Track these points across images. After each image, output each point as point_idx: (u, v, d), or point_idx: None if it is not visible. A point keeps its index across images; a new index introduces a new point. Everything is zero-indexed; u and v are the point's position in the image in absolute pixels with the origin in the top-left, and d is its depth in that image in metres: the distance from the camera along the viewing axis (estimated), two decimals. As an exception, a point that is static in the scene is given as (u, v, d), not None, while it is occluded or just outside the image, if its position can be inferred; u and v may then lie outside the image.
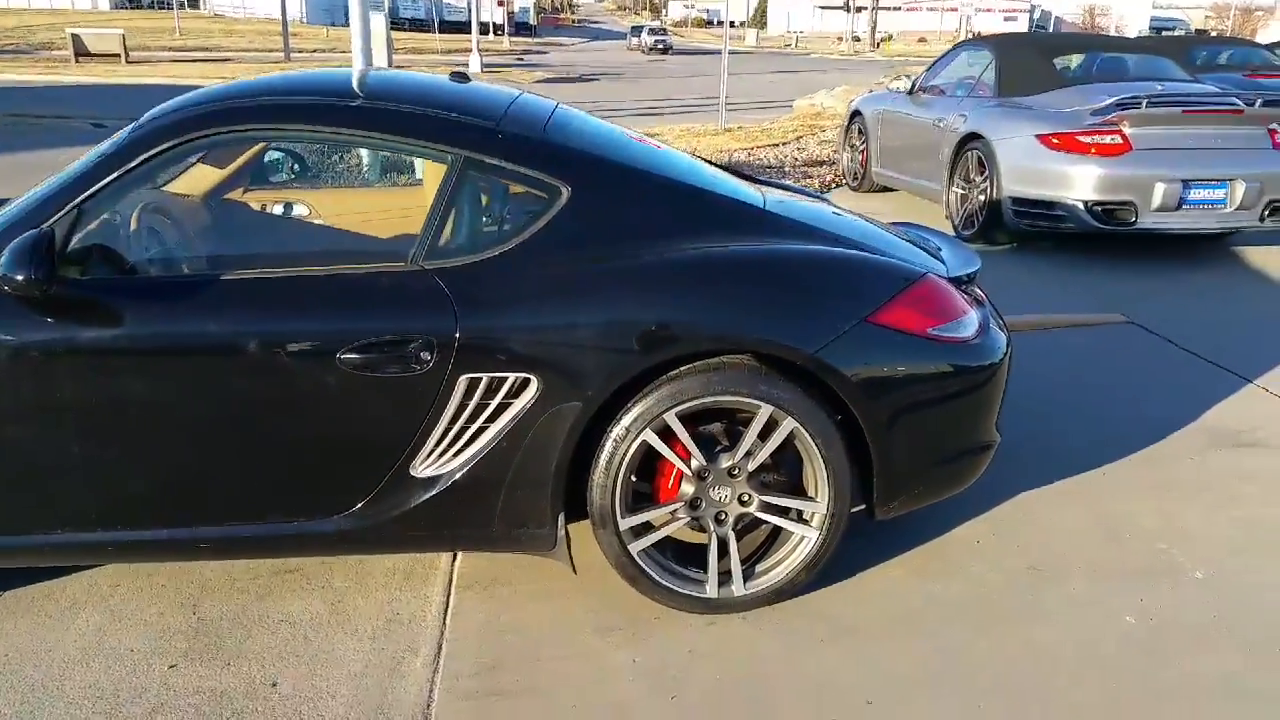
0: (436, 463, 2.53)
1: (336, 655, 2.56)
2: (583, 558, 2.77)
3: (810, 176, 9.31)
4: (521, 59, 32.90)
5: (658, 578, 2.64)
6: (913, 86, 8.05)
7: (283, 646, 2.59)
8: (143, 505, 2.55)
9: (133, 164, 2.50)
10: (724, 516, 2.64)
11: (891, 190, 8.53)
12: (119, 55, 26.93)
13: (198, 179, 3.06)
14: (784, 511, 2.65)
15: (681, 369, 2.52)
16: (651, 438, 2.52)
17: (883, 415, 2.56)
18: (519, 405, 2.49)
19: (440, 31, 48.89)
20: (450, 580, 2.88)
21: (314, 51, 33.68)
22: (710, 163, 3.58)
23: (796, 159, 10.23)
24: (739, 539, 2.72)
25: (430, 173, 2.65)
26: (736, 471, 2.60)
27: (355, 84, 2.81)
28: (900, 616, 2.69)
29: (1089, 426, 3.86)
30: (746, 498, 2.62)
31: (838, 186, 9.16)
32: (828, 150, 10.53)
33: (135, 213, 2.70)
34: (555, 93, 20.23)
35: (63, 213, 2.45)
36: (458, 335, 2.45)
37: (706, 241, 2.62)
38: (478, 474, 2.53)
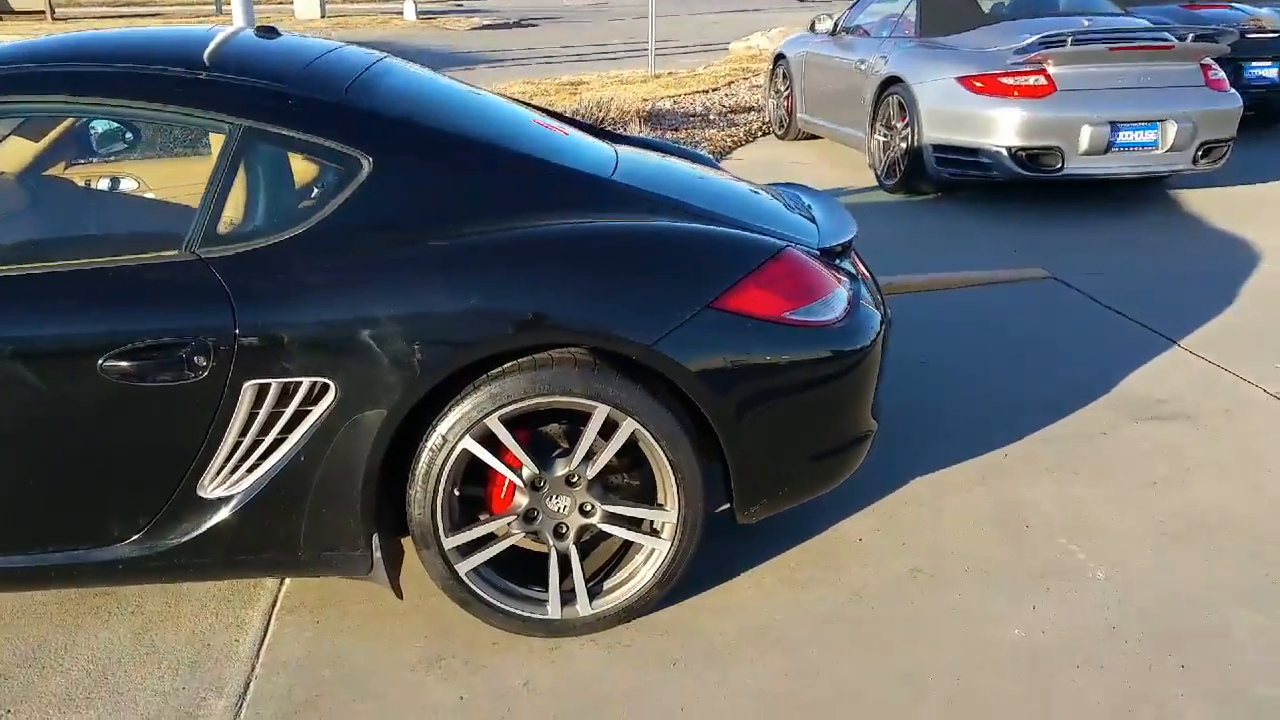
0: (227, 481, 2.21)
1: (133, 696, 2.26)
2: (421, 576, 2.47)
3: (735, 125, 8.94)
4: (460, 4, 31.82)
5: (492, 600, 2.35)
6: (834, 27, 7.69)
7: (73, 687, 2.28)
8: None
9: None
10: (564, 529, 2.34)
11: (818, 139, 8.20)
12: (44, 12, 25.65)
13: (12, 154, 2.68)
14: (632, 522, 2.36)
15: (504, 367, 2.21)
16: (473, 445, 2.21)
17: (734, 412, 2.27)
18: (316, 413, 2.17)
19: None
20: (275, 602, 2.58)
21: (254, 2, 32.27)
22: (569, 121, 3.24)
23: (724, 106, 9.84)
24: (588, 552, 2.44)
25: (212, 146, 2.29)
26: (575, 479, 2.30)
27: (135, 46, 2.42)
28: (762, 630, 2.43)
29: (995, 399, 3.61)
30: (589, 508, 2.33)
31: (764, 135, 8.81)
32: (758, 96, 10.14)
33: None
34: (491, 40, 19.53)
35: None
36: (237, 335, 2.11)
37: (534, 219, 2.29)
38: (276, 493, 2.21)
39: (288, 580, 2.64)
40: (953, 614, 2.47)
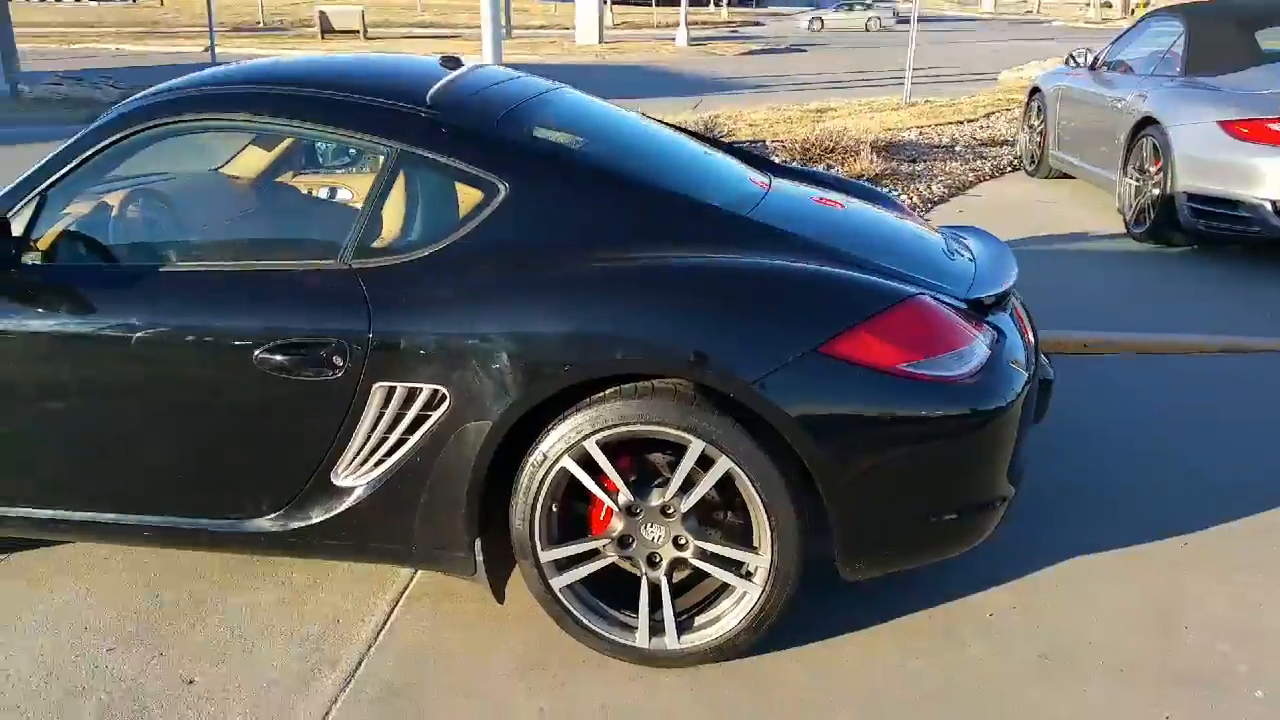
0: (356, 472, 2.40)
1: (261, 657, 2.50)
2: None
3: (983, 159, 8.54)
4: (735, 31, 32.40)
5: (583, 619, 2.40)
6: (1095, 61, 7.18)
7: (214, 641, 2.55)
8: (91, 488, 2.56)
9: (89, 153, 2.49)
10: (658, 559, 2.35)
11: (1070, 178, 7.68)
12: (358, 31, 28.74)
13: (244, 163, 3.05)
14: (725, 561, 2.33)
15: (605, 393, 2.25)
16: (571, 465, 2.28)
17: (836, 463, 2.20)
18: (433, 419, 2.31)
19: (659, 4, 48.87)
20: (404, 590, 2.76)
21: (539, 28, 34.59)
22: (731, 150, 3.24)
23: (975, 139, 9.42)
24: (691, 586, 2.44)
25: (371, 166, 2.51)
26: (670, 511, 2.31)
27: (319, 72, 2.68)
28: (864, 696, 2.32)
29: (1194, 480, 3.25)
30: (682, 540, 2.33)
31: (1014, 171, 8.36)
32: (1014, 130, 9.64)
33: (119, 200, 2.71)
34: (756, 65, 19.75)
35: (23, 202, 2.48)
36: (370, 340, 2.29)
37: (658, 250, 2.33)
38: (395, 488, 2.38)
39: (420, 572, 2.82)
40: (1076, 709, 2.26)
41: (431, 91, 2.55)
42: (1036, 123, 7.99)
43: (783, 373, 2.15)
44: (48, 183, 2.48)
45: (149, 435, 2.47)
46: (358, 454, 2.38)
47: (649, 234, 2.37)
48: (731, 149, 3.36)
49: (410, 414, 2.32)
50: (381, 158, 2.43)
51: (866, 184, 3.49)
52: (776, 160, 3.62)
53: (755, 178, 2.96)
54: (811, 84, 15.68)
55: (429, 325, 2.28)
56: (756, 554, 2.29)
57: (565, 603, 2.39)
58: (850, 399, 2.18)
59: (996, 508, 2.39)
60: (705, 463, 2.25)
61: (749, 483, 2.22)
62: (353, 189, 3.16)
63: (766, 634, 2.36)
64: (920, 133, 9.70)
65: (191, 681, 2.41)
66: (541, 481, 2.30)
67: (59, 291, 2.43)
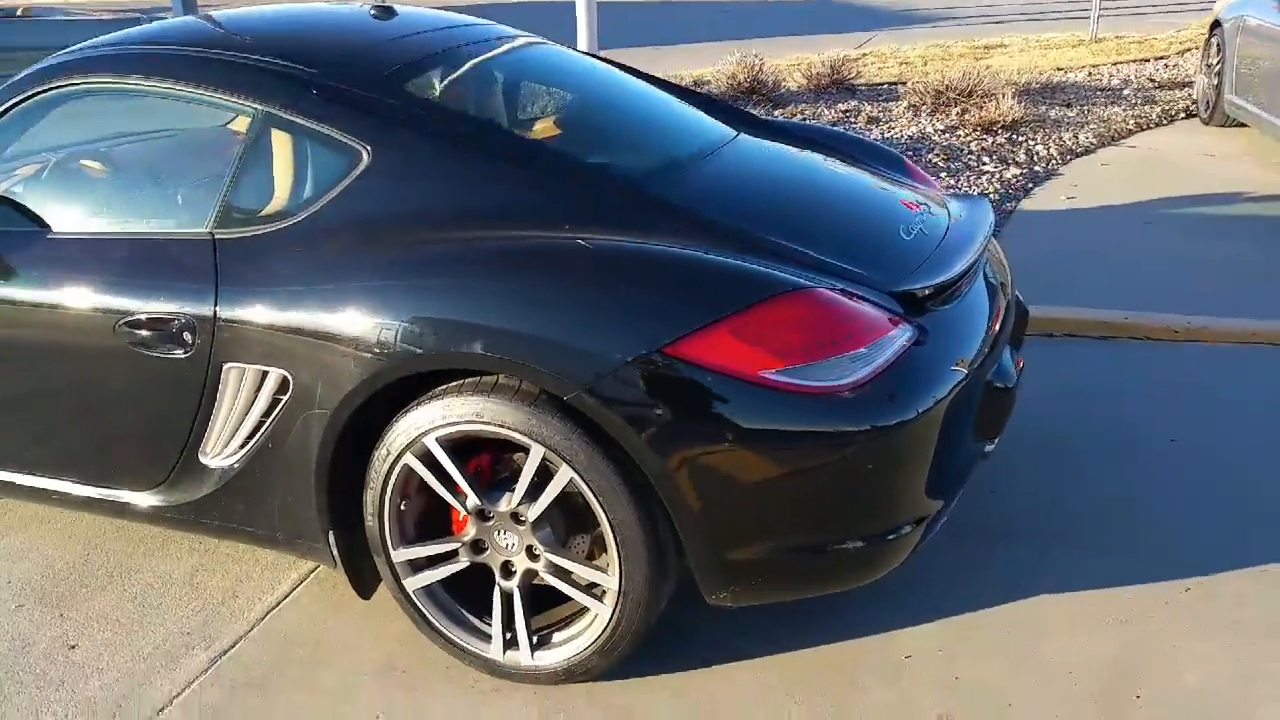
0: (220, 454, 2.31)
1: (147, 629, 2.48)
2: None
3: (1153, 103, 7.53)
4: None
5: (437, 623, 2.22)
6: (1286, -14, 6.11)
7: (118, 609, 2.56)
8: (4, 447, 2.60)
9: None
10: (513, 568, 2.14)
11: (1248, 128, 6.65)
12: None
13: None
14: (577, 578, 2.09)
15: (445, 387, 2.04)
16: (414, 463, 2.09)
17: (684, 480, 1.90)
18: (280, 405, 2.18)
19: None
20: (316, 569, 2.67)
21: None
22: (712, 103, 2.89)
23: (1152, 80, 8.32)
24: (562, 600, 2.22)
25: (244, 129, 2.35)
26: (522, 519, 2.08)
27: (231, 29, 2.54)
28: (718, 736, 2.04)
29: (1242, 507, 2.69)
30: (536, 552, 2.10)
31: (1189, 118, 7.34)
32: (1205, 69, 8.46)
33: (20, 166, 2.70)
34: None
35: None
36: (216, 318, 2.17)
37: (524, 229, 2.08)
38: (254, 474, 2.27)
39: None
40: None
41: (327, 49, 2.37)
42: (1214, 61, 6.95)
43: (619, 375, 1.87)
44: (-39, 142, 2.50)
45: (40, 402, 2.47)
46: (219, 436, 2.28)
47: (520, 212, 2.12)
48: (715, 106, 3.00)
49: (261, 398, 2.20)
50: (250, 119, 2.28)
51: (869, 141, 3.05)
52: (784, 116, 3.22)
53: (707, 142, 2.62)
54: (1002, 16, 14.42)
55: (271, 304, 2.13)
56: (604, 573, 2.03)
57: (419, 604, 2.22)
58: (698, 409, 1.87)
59: (905, 534, 2.03)
60: (548, 470, 2.00)
61: (591, 496, 1.96)
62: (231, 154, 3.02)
63: (620, 660, 2.11)
64: (1091, 73, 8.68)
65: (73, 647, 2.42)
66: (386, 477, 2.12)
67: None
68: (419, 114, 2.23)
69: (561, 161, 2.26)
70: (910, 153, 6.17)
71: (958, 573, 2.47)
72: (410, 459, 2.08)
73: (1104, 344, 3.69)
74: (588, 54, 3.10)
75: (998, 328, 2.28)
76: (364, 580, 2.30)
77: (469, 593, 2.23)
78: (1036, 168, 5.99)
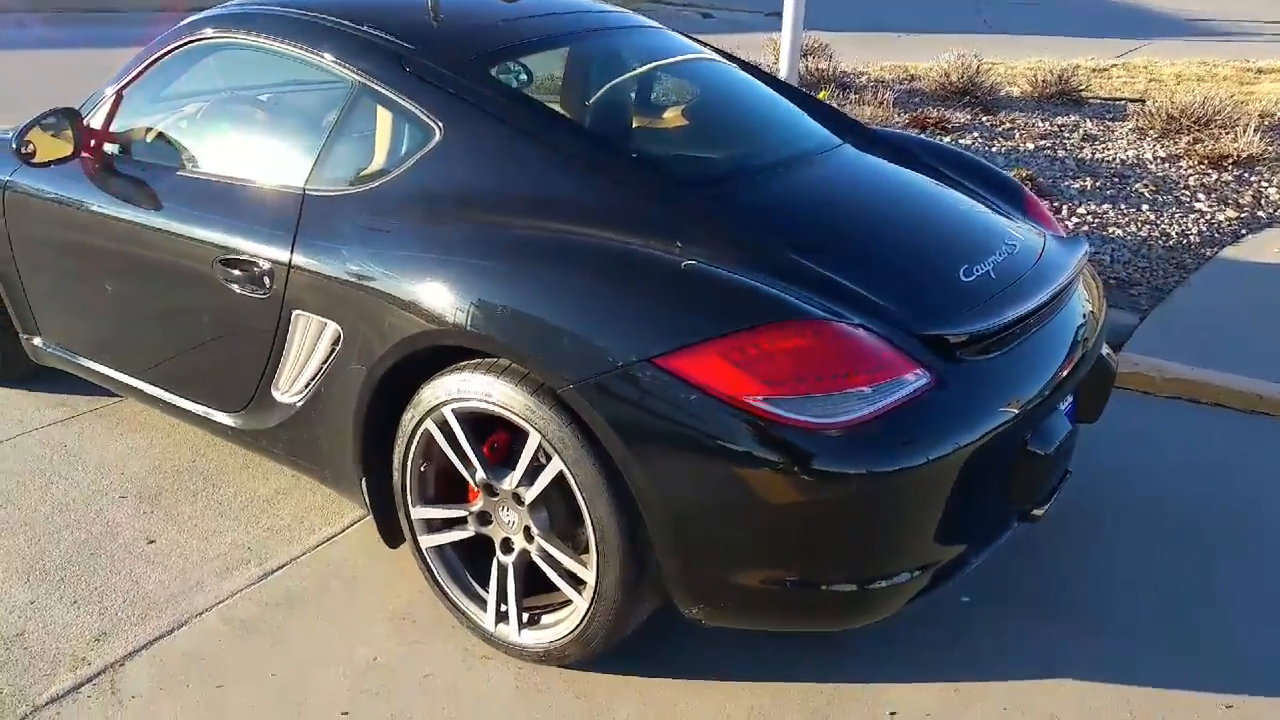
0: (286, 392, 2.50)
1: (217, 539, 2.72)
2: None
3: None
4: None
5: (443, 583, 2.33)
6: None
7: (200, 514, 2.83)
8: (125, 352, 2.93)
9: (150, 61, 2.77)
10: (511, 545, 2.21)
11: None
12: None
13: None
14: (562, 566, 2.13)
15: (464, 363, 2.13)
16: (433, 429, 2.19)
17: (658, 491, 1.90)
18: (333, 355, 2.34)
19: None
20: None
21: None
22: (827, 115, 2.81)
23: None
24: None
25: (345, 94, 2.50)
26: (522, 500, 2.15)
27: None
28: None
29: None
30: (532, 533, 2.16)
31: None
32: None
33: (178, 109, 2.99)
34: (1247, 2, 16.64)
35: (99, 97, 2.83)
36: (290, 266, 2.35)
37: (560, 222, 2.12)
38: (310, 414, 2.45)
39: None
40: None
41: (429, 26, 2.49)
42: None
43: (609, 377, 1.89)
44: (121, 84, 2.80)
45: (156, 318, 2.75)
46: (287, 375, 2.47)
47: (556, 205, 2.16)
48: (828, 113, 2.91)
49: (320, 347, 2.36)
50: (349, 85, 2.43)
51: (990, 168, 2.85)
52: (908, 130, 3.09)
53: (793, 151, 2.56)
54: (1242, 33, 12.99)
55: (333, 262, 2.28)
56: (584, 566, 2.07)
57: (430, 562, 2.34)
58: (679, 424, 1.86)
59: (901, 582, 1.94)
60: (543, 458, 2.05)
61: (576, 489, 2.00)
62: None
63: (596, 653, 2.15)
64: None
65: (151, 542, 2.71)
66: (410, 438, 2.24)
67: (112, 179, 2.76)
68: (489, 99, 2.30)
69: (611, 159, 2.27)
70: (1116, 179, 5.71)
71: (977, 638, 2.33)
72: (430, 425, 2.19)
73: (1254, 419, 3.32)
74: (721, 52, 3.07)
75: (1050, 389, 2.12)
76: (393, 530, 2.43)
77: (479, 562, 2.32)
78: (1260, 213, 5.39)
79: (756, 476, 1.84)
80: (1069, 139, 6.46)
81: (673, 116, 2.79)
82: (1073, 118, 6.99)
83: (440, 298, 2.09)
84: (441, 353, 2.16)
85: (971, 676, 2.22)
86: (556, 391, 1.96)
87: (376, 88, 2.37)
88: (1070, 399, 2.35)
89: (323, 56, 2.47)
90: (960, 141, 6.26)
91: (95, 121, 2.81)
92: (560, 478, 2.02)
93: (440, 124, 2.28)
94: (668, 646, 2.29)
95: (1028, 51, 10.43)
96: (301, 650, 2.32)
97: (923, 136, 3.22)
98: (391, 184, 2.30)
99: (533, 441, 2.04)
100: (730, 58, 3.04)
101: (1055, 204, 5.19)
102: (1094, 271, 2.69)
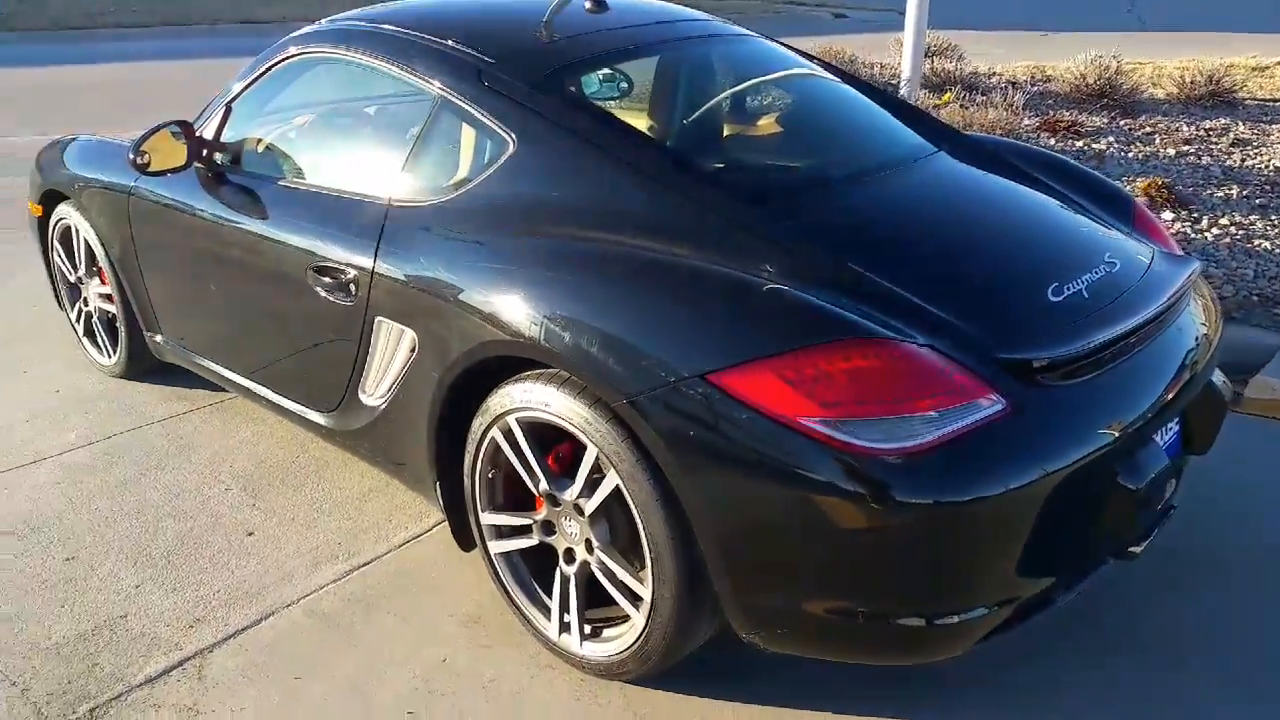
0: (373, 394, 2.58)
1: (311, 531, 2.84)
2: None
3: None
4: None
5: (510, 589, 2.37)
6: None
7: (299, 508, 2.95)
8: (231, 351, 3.08)
9: (255, 76, 2.91)
10: (574, 556, 2.22)
11: None
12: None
13: None
14: (620, 580, 2.12)
15: (528, 373, 2.15)
16: (499, 438, 2.22)
17: (709, 508, 1.88)
18: (409, 361, 2.40)
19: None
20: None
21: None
22: (919, 122, 2.72)
23: None
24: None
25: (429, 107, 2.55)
26: (583, 511, 2.15)
27: (440, 11, 2.78)
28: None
29: None
30: (593, 545, 2.17)
31: None
32: None
33: (281, 121, 3.11)
34: None
35: (211, 109, 2.99)
36: (373, 275, 2.43)
37: (628, 236, 2.11)
38: (392, 417, 2.52)
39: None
40: None
41: (510, 40, 2.54)
42: None
43: (663, 393, 1.87)
44: (230, 97, 2.95)
45: (260, 321, 2.89)
46: (372, 379, 2.55)
47: (627, 218, 2.15)
48: (926, 120, 2.82)
49: (400, 353, 2.43)
50: (432, 98, 2.49)
51: (1101, 180, 2.69)
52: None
53: (879, 160, 2.49)
54: None
55: (410, 271, 2.35)
56: (641, 582, 2.06)
57: (498, 568, 2.37)
58: (730, 442, 1.82)
59: (971, 621, 1.86)
60: (600, 470, 2.05)
61: (631, 504, 1.99)
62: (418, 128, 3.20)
63: (654, 670, 2.14)
64: None
65: (250, 534, 2.84)
66: (479, 446, 2.28)
67: (220, 188, 2.91)
68: (562, 112, 2.32)
69: (679, 172, 2.24)
70: (1267, 187, 5.32)
71: (1080, 683, 2.20)
72: (496, 432, 2.22)
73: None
74: (810, 58, 3.01)
75: (1145, 418, 1.98)
76: (465, 533, 2.47)
77: (546, 571, 2.34)
78: None
79: (809, 500, 1.79)
80: (1217, 144, 6.06)
81: (755, 126, 2.76)
82: (1223, 121, 6.55)
83: (502, 307, 2.11)
84: (510, 362, 2.19)
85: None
86: (611, 405, 1.95)
87: (455, 101, 2.42)
88: (1175, 429, 2.20)
89: (409, 71, 2.54)
90: (1094, 147, 5.96)
91: (207, 132, 2.96)
92: (618, 491, 2.02)
93: (513, 136, 2.31)
94: (734, 670, 2.25)
95: (1184, 49, 9.85)
96: (377, 647, 2.38)
97: (1026, 144, 3.06)
98: (466, 196, 2.34)
99: (590, 453, 2.04)
100: (826, 65, 2.98)
101: (1194, 214, 4.87)
102: (1211, 291, 2.51)
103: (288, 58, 2.85)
